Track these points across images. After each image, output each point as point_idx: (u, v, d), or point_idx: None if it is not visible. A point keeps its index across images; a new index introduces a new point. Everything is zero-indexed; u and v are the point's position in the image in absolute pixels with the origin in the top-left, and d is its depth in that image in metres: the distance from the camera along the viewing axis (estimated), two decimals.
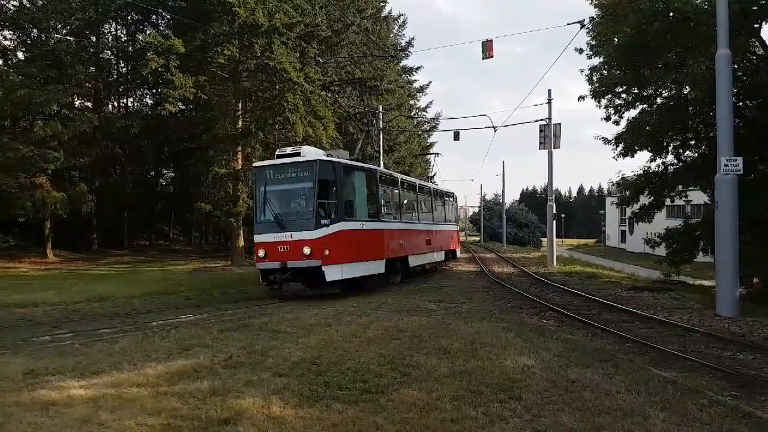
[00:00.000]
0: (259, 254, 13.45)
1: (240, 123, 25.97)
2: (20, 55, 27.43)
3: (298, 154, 13.67)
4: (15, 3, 27.23)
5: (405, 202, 19.33)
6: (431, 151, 49.22)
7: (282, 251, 13.03)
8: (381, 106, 31.06)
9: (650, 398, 5.40)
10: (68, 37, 27.52)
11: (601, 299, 13.89)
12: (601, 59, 19.81)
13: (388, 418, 4.70)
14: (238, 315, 10.56)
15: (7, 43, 27.61)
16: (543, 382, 5.86)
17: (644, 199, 21.28)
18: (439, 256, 21.92)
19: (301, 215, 13.33)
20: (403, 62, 42.68)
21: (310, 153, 13.78)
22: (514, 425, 4.65)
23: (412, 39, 59.86)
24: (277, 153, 14.36)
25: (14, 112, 22.87)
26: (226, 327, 8.90)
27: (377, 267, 15.18)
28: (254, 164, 14.82)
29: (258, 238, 13.63)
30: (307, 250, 12.74)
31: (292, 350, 7.15)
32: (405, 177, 20.26)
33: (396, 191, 18.00)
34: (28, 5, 27.36)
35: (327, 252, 12.84)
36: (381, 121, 30.15)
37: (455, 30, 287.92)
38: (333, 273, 13.08)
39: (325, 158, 13.67)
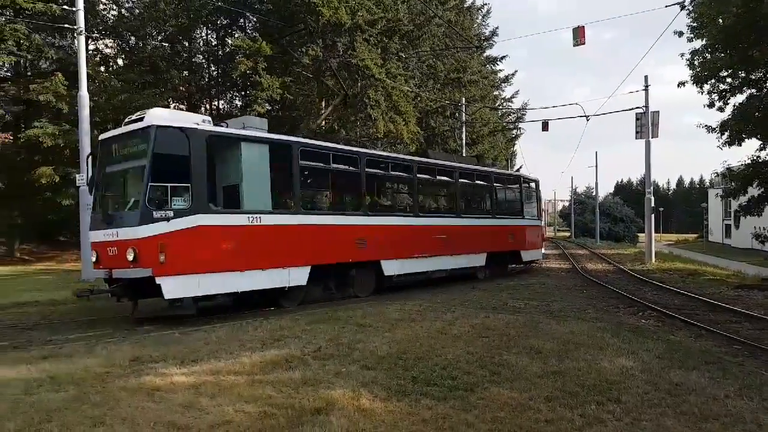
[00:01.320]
0: (93, 258, 10.08)
1: (323, 121, 26.53)
2: (120, 61, 29.36)
3: (141, 120, 9.70)
4: (114, 13, 29.20)
5: (385, 188, 16.10)
6: (517, 143, 48.15)
7: (111, 255, 9.51)
8: (464, 98, 30.70)
9: (764, 404, 5.03)
10: (163, 44, 29.11)
11: (704, 298, 13.12)
12: (704, 42, 18.68)
13: (479, 416, 4.62)
14: (325, 308, 10.77)
15: (108, 51, 29.63)
16: (643, 384, 5.59)
17: (753, 191, 19.87)
18: (476, 261, 16.95)
19: (128, 205, 9.79)
20: (487, 52, 42.03)
21: (153, 116, 9.63)
22: (613, 428, 4.45)
23: (496, 28, 58.79)
24: (125, 120, 10.40)
25: (116, 116, 24.50)
26: (314, 319, 9.09)
27: (292, 276, 11.04)
28: (99, 137, 10.95)
29: (90, 237, 10.42)
30: (130, 255, 9.06)
31: (378, 344, 7.19)
32: (383, 154, 15.41)
33: (357, 172, 13.03)
34: (126, 14, 29.22)
35: (163, 257, 9.02)
36: (464, 114, 29.81)
37: (535, 18, 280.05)
38: (176, 287, 9.25)
39: (167, 124, 9.56)
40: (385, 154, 15.97)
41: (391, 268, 13.63)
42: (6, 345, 7.78)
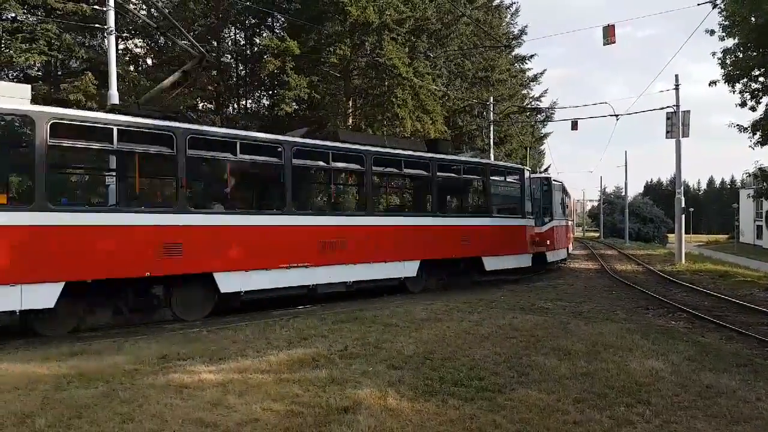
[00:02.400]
0: None
1: (350, 120, 26.56)
2: (149, 61, 29.80)
3: None
4: (144, 13, 29.65)
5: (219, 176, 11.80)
6: (545, 142, 47.65)
7: None
8: (492, 97, 30.49)
9: None
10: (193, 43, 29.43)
11: (735, 300, 12.84)
12: (736, 41, 18.26)
13: (507, 417, 4.58)
14: (351, 308, 10.78)
15: (137, 50, 30.10)
16: (673, 386, 5.52)
17: None
18: (399, 271, 12.92)
19: None
20: (516, 51, 41.64)
21: None
22: (642, 430, 4.42)
23: (525, 27, 57.88)
24: None
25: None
26: (340, 319, 9.10)
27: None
28: None
29: None
30: None
31: (405, 344, 7.17)
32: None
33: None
34: (156, 14, 29.66)
35: None
36: (492, 113, 29.60)
37: (567, 15, 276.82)
38: None
39: None
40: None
41: (231, 282, 9.97)
42: (35, 341, 7.93)
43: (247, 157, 10.57)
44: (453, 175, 14.77)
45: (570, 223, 28.30)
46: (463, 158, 15.45)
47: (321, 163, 12.06)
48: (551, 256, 19.21)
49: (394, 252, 12.73)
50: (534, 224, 17.60)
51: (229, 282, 9.93)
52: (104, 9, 15.34)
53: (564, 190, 23.76)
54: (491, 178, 15.81)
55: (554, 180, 21.26)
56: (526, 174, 17.14)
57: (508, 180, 16.78)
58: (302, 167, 11.68)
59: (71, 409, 4.61)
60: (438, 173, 13.91)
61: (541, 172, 41.52)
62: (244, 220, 10.37)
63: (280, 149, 10.88)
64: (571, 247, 27.10)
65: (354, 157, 12.32)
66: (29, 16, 22.25)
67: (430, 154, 13.96)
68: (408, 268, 13.10)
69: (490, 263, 15.22)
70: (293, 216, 11.02)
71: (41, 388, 5.23)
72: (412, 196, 16.78)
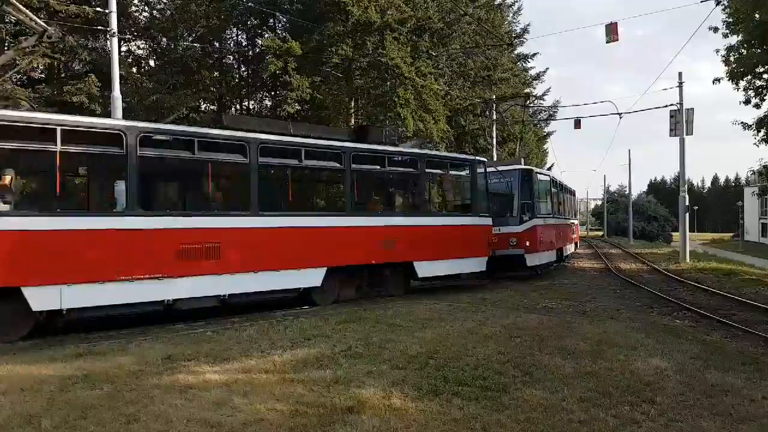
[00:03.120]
0: None
1: (353, 120, 26.56)
2: (152, 62, 29.84)
3: None
4: (146, 14, 29.69)
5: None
6: (549, 141, 47.56)
7: None
8: (494, 96, 30.46)
9: None
10: (194, 44, 29.52)
11: (740, 298, 12.82)
12: (740, 38, 18.22)
13: (512, 416, 4.58)
14: (354, 308, 10.79)
15: (140, 52, 30.16)
16: (678, 385, 5.52)
17: None
18: (298, 280, 10.90)
19: None
20: (518, 50, 41.61)
21: None
22: (647, 429, 4.42)
23: (528, 25, 58.16)
24: None
25: (148, 116, 24.95)
26: (344, 319, 9.10)
27: None
28: None
29: None
30: None
31: (409, 344, 7.17)
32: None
33: None
34: (158, 16, 29.69)
35: None
36: (494, 112, 29.57)
37: (568, 14, 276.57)
38: None
39: None
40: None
41: (44, 299, 8.09)
42: (41, 342, 7.95)
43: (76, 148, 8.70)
44: (375, 167, 12.74)
45: (572, 221, 26.55)
46: (390, 149, 12.86)
47: (183, 154, 9.90)
48: (533, 259, 16.48)
49: (288, 258, 10.69)
50: (509, 223, 16.16)
51: (40, 298, 8.04)
52: (107, 11, 15.36)
53: (558, 185, 21.85)
54: (429, 171, 13.78)
55: (539, 172, 19.02)
56: (480, 166, 14.88)
57: (454, 173, 15.12)
58: (155, 159, 9.70)
59: (77, 410, 4.62)
60: (354, 165, 11.90)
61: (547, 169, 41.22)
62: (63, 223, 8.38)
63: (120, 137, 8.89)
64: (571, 248, 25.23)
65: (233, 146, 10.33)
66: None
67: (341, 143, 11.88)
68: (309, 277, 11.02)
69: (425, 269, 13.10)
70: (139, 217, 9.03)
71: (47, 389, 5.24)
72: (320, 193, 15.02)
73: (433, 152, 14.85)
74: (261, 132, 10.79)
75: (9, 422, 4.34)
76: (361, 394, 5.03)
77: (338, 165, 11.79)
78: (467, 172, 14.96)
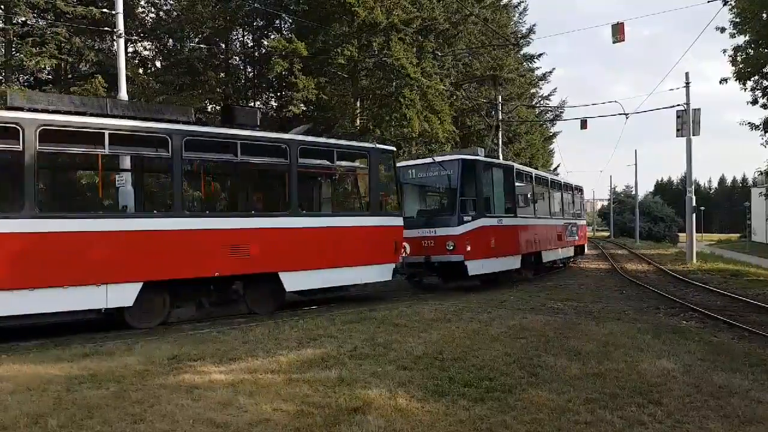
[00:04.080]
0: None
1: (358, 121, 26.57)
2: (158, 63, 29.93)
3: None
4: (153, 16, 29.79)
5: None
6: (555, 141, 47.44)
7: None
8: (500, 97, 30.41)
9: None
10: (200, 45, 29.59)
11: (747, 299, 12.75)
12: (747, 38, 18.15)
13: (518, 418, 4.56)
14: (360, 308, 10.79)
15: (146, 53, 30.26)
16: (685, 386, 5.48)
17: None
18: (99, 298, 8.65)
19: None
20: (524, 50, 41.55)
21: None
22: (654, 431, 4.39)
23: (534, 26, 58.09)
24: None
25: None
26: (349, 319, 9.10)
27: None
28: None
29: None
30: None
31: (414, 344, 7.16)
32: None
33: None
34: (164, 17, 29.79)
35: None
36: (500, 112, 29.52)
37: (574, 14, 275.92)
38: None
39: None
40: None
41: None
42: (47, 342, 7.99)
43: None
44: (222, 156, 10.54)
45: (570, 221, 22.95)
46: (243, 133, 10.29)
47: None
48: (477, 267, 13.95)
49: (82, 272, 8.42)
50: (447, 224, 13.77)
51: None
52: (114, 12, 15.43)
53: (540, 179, 19.57)
54: (305, 161, 11.32)
55: (495, 163, 16.41)
56: (384, 156, 12.68)
57: (345, 164, 12.60)
58: None
59: (83, 410, 4.63)
60: (188, 154, 9.60)
61: (553, 170, 40.93)
62: None
63: None
64: (565, 252, 21.96)
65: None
66: (39, 20, 22.41)
67: (165, 126, 9.45)
68: (118, 295, 8.74)
69: (297, 281, 10.86)
70: None
71: (53, 388, 5.26)
72: (140, 189, 11.45)
73: (311, 138, 11.61)
74: (53, 112, 8.56)
75: (16, 422, 4.36)
76: (367, 394, 5.02)
77: (165, 153, 9.42)
78: (364, 162, 12.45)
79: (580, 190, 26.85)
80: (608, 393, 5.22)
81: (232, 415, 4.56)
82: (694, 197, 24.88)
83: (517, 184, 16.89)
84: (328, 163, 12.03)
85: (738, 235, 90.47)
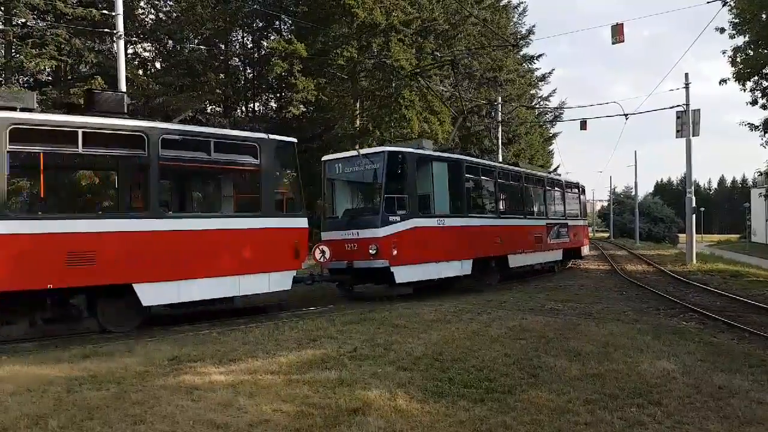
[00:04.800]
0: None
1: (358, 122, 26.60)
2: (158, 65, 29.95)
3: None
4: (152, 17, 29.81)
5: None
6: (554, 142, 47.37)
7: None
8: (500, 98, 30.44)
9: None
10: (200, 47, 29.62)
11: (747, 300, 12.74)
12: (747, 38, 18.19)
13: (518, 418, 4.56)
14: (360, 309, 10.79)
15: (146, 54, 30.29)
16: (685, 387, 5.49)
17: None
18: None
19: None
20: (524, 51, 41.61)
21: None
22: (654, 431, 4.37)
23: (533, 26, 58.28)
24: None
25: (154, 118, 25.11)
26: (349, 320, 9.10)
27: None
28: None
29: None
30: None
31: (414, 345, 7.16)
32: None
33: None
34: (164, 18, 29.81)
35: None
36: (500, 113, 29.55)
37: (573, 14, 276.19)
38: None
39: None
40: None
41: None
42: (48, 344, 7.99)
43: None
44: (58, 149, 8.87)
45: (554, 221, 20.34)
46: (85, 120, 8.72)
47: None
48: (405, 273, 12.36)
49: None
50: (370, 224, 12.25)
51: None
52: (113, 14, 15.45)
53: (499, 174, 16.81)
54: (170, 153, 9.65)
55: (434, 156, 13.92)
56: (278, 147, 11.10)
57: (225, 158, 10.55)
58: None
59: (83, 411, 4.63)
60: (13, 146, 8.12)
61: (553, 170, 40.73)
62: None
63: None
64: (544, 255, 19.34)
65: None
66: (39, 21, 22.42)
67: None
68: None
69: (159, 293, 9.23)
70: None
71: (54, 389, 5.26)
72: None
73: (177, 126, 10.30)
74: None
75: (17, 423, 4.36)
76: (367, 395, 5.03)
77: None
78: (253, 156, 10.70)
79: (576, 187, 24.22)
80: (608, 394, 5.22)
81: (232, 416, 4.56)
82: (693, 198, 24.88)
83: (469, 179, 15.02)
84: (203, 155, 10.18)
85: (738, 235, 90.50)
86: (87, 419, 4.46)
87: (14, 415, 4.53)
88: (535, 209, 19.63)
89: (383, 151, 12.70)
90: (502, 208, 17.10)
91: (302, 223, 11.15)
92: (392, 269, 12.00)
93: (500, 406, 4.88)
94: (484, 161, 16.88)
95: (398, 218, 12.24)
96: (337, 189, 14.02)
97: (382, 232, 12.04)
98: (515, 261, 16.64)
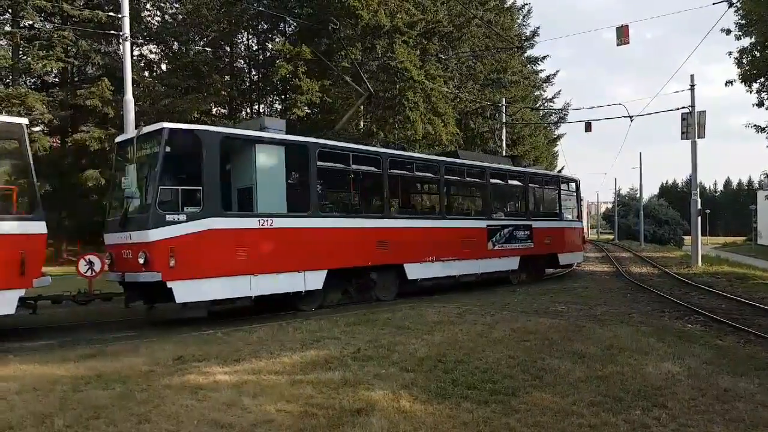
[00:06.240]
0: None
1: (362, 124, 26.63)
2: (164, 67, 30.07)
3: None
4: (158, 19, 29.93)
5: None
6: (559, 143, 47.19)
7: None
8: (504, 99, 30.43)
9: None
10: (206, 49, 29.73)
11: (753, 302, 12.63)
12: (753, 40, 18.15)
13: (521, 420, 4.56)
14: (363, 310, 10.79)
15: (152, 56, 30.41)
16: (690, 390, 5.45)
17: None
18: None
19: None
20: (528, 52, 41.60)
21: None
22: None
23: (537, 28, 58.52)
24: None
25: (160, 119, 25.18)
26: (353, 321, 9.11)
27: None
28: None
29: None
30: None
31: (418, 346, 7.16)
32: None
33: None
34: (169, 20, 29.93)
35: None
36: (504, 115, 29.52)
37: (577, 16, 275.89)
38: None
39: None
40: None
41: None
42: (53, 344, 8.03)
43: None
44: None
45: (480, 223, 15.71)
46: None
47: None
48: (194, 291, 9.37)
49: None
50: (139, 226, 9.29)
51: None
52: (119, 16, 15.53)
53: (390, 162, 13.00)
54: None
55: (269, 138, 10.77)
56: None
57: None
58: None
59: (89, 410, 4.66)
60: None
61: (558, 171, 40.31)
62: None
63: None
64: (484, 263, 15.49)
65: None
66: (46, 23, 22.56)
67: None
68: None
69: None
70: None
71: (59, 388, 5.29)
72: None
73: None
74: None
75: (23, 422, 4.39)
76: (370, 396, 5.03)
77: None
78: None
79: (557, 182, 19.82)
80: (613, 396, 5.20)
81: (236, 415, 4.57)
82: (699, 200, 24.76)
83: (326, 170, 11.92)
84: None
85: (744, 238, 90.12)
86: (92, 418, 4.48)
87: (20, 414, 4.56)
88: (468, 207, 17.30)
89: (162, 129, 9.46)
90: (398, 205, 14.60)
91: (34, 227, 8.49)
92: (170, 285, 9.04)
93: (504, 407, 4.87)
94: (359, 147, 13.11)
95: (183, 217, 9.28)
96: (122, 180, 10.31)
97: (153, 235, 9.02)
98: (418, 272, 13.33)
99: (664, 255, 34.67)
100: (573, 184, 20.70)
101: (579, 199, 20.81)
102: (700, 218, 24.87)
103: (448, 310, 10.43)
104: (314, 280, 11.05)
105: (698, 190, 25.23)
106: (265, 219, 10.33)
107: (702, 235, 26.80)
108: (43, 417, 4.48)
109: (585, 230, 28.89)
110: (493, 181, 16.16)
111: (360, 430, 4.26)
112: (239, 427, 4.34)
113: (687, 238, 51.07)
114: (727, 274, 20.60)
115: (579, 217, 20.81)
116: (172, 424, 4.38)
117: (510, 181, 17.27)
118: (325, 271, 11.24)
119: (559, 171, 47.73)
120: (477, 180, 16.00)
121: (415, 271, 13.27)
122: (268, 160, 10.64)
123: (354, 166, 12.43)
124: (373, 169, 12.84)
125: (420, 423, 4.44)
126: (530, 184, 17.85)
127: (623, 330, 8.63)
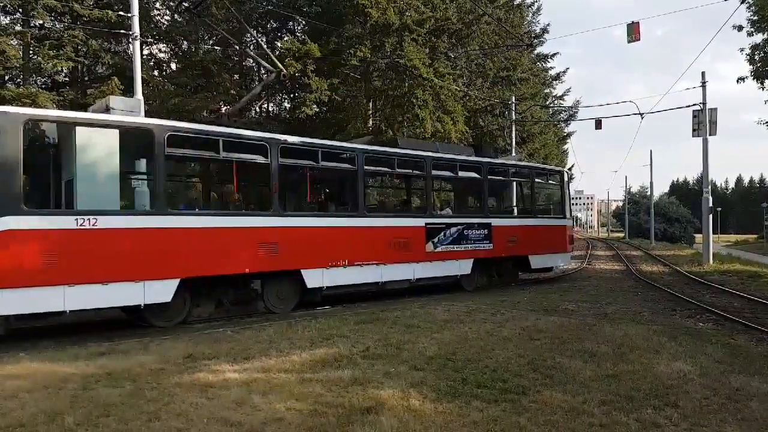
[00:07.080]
0: None
1: (371, 122, 26.60)
2: (173, 66, 30.19)
3: None
4: (168, 18, 30.04)
5: None
6: (569, 141, 46.86)
7: None
8: (514, 97, 30.31)
9: None
10: (215, 47, 29.81)
11: (765, 301, 12.56)
12: (765, 36, 17.98)
13: (532, 419, 4.54)
14: (372, 308, 10.78)
15: (161, 55, 30.53)
16: (702, 389, 5.42)
17: None
18: None
19: None
20: (538, 49, 41.37)
21: None
22: None
23: (547, 25, 57.97)
24: None
25: (169, 118, 25.30)
26: (362, 319, 9.11)
27: None
28: None
29: None
30: None
31: (427, 345, 7.16)
32: None
33: None
34: (179, 19, 30.03)
35: None
36: (514, 113, 29.40)
37: (587, 13, 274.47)
38: None
39: None
40: None
41: None
42: (64, 341, 8.07)
43: None
44: None
45: (417, 221, 13.53)
46: None
47: None
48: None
49: None
50: None
51: None
52: (129, 15, 15.59)
53: (281, 150, 10.78)
54: None
55: (87, 117, 8.95)
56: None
57: None
58: None
59: (99, 408, 4.68)
60: None
61: (568, 169, 40.10)
62: None
63: None
64: (440, 269, 13.62)
65: None
66: (56, 23, 22.70)
67: None
68: None
69: None
70: None
71: (70, 387, 5.32)
72: None
73: None
74: None
75: (34, 419, 4.42)
76: (380, 394, 5.03)
77: None
78: None
79: (534, 173, 17.02)
80: (624, 395, 5.18)
81: (245, 413, 4.59)
82: (710, 198, 24.56)
83: (176, 158, 10.57)
84: None
85: (755, 236, 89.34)
86: (103, 416, 4.51)
87: (31, 412, 4.59)
88: (400, 203, 15.43)
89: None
90: (297, 201, 13.14)
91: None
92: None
93: (514, 406, 4.86)
94: (233, 131, 10.69)
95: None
96: None
97: None
98: (323, 279, 11.29)
99: (675, 253, 34.45)
100: (556, 177, 18.01)
101: (564, 194, 17.96)
102: (711, 216, 24.67)
103: (457, 309, 10.41)
104: (160, 291, 9.03)
105: (710, 187, 25.03)
106: (87, 218, 8.38)
107: (713, 233, 26.57)
108: (53, 415, 4.50)
109: (574, 228, 26.04)
110: (436, 172, 14.00)
111: (369, 428, 4.26)
112: (249, 425, 4.34)
113: (698, 236, 50.72)
114: (739, 273, 20.45)
115: (564, 213, 17.85)
116: (181, 422, 4.40)
117: (462, 173, 14.59)
118: (177, 281, 9.18)
119: (569, 168, 47.43)
120: (413, 171, 13.92)
121: (317, 278, 11.16)
122: (93, 147, 8.64)
123: (225, 154, 10.14)
124: (258, 158, 10.58)
125: (430, 422, 4.43)
126: (490, 176, 15.20)
127: (634, 329, 8.59)
